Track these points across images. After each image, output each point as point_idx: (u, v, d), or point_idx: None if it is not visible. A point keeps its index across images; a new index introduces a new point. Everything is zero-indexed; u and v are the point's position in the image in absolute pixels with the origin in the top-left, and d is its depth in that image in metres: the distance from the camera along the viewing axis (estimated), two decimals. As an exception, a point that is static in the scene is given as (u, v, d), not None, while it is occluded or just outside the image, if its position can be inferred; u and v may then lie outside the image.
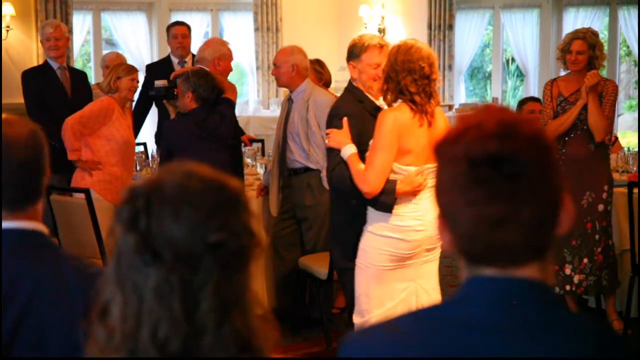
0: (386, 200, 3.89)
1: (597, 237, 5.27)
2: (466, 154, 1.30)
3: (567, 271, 5.31)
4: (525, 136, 1.30)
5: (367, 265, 4.01)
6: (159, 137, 6.10)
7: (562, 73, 5.69)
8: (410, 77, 3.84)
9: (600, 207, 5.26)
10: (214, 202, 1.32)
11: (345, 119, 4.10)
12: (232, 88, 5.68)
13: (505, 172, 1.27)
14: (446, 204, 1.35)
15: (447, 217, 1.35)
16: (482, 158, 1.28)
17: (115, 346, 1.29)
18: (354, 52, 4.33)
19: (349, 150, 4.00)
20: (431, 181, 3.98)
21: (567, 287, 5.32)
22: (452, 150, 1.32)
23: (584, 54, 5.27)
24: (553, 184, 1.32)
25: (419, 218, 3.93)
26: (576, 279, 5.30)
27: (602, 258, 5.29)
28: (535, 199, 1.29)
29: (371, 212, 3.98)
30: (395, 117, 3.85)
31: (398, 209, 3.91)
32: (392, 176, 3.89)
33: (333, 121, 4.15)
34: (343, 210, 4.22)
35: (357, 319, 4.08)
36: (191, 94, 5.21)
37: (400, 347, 1.33)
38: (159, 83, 5.82)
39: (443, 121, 3.99)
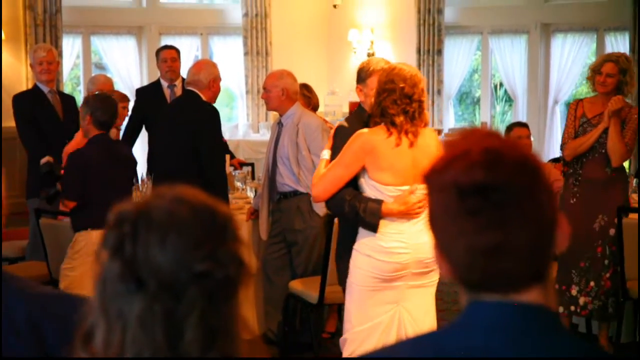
0: (370, 220, 3.90)
1: (606, 262, 5.25)
2: (454, 183, 1.29)
3: (573, 292, 5.30)
4: (512, 162, 1.29)
5: (351, 284, 4.02)
6: (150, 161, 6.09)
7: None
8: (390, 97, 3.87)
9: (612, 231, 5.23)
10: (202, 230, 1.29)
11: (333, 130, 4.23)
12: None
13: (494, 200, 1.26)
14: (439, 234, 1.34)
15: (442, 246, 1.34)
16: (470, 188, 1.27)
17: None
18: (361, 76, 4.35)
19: (324, 155, 4.13)
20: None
21: (572, 308, 5.30)
22: (441, 180, 1.31)
23: (614, 77, 5.26)
24: (544, 206, 1.30)
25: (403, 240, 3.92)
26: (581, 300, 5.29)
27: (610, 284, 5.26)
28: (527, 224, 1.28)
29: (360, 231, 3.99)
30: (364, 139, 3.90)
31: (383, 229, 3.91)
32: (376, 195, 3.91)
33: (336, 139, 4.17)
34: (348, 229, 4.20)
35: (342, 343, 4.10)
36: (89, 117, 5.19)
37: None
38: (44, 160, 5.89)
39: (433, 142, 3.99)
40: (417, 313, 4.03)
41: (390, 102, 3.86)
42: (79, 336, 1.29)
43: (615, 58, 5.33)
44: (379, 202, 3.89)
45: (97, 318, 1.27)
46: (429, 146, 3.93)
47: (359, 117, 4.31)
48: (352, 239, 4.04)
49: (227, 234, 1.32)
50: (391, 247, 3.92)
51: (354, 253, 4.01)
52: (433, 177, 1.33)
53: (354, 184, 3.99)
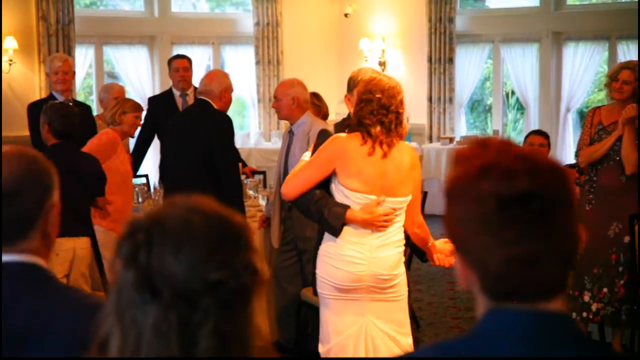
0: (333, 223, 3.91)
1: (620, 269, 5.24)
2: (494, 193, 1.27)
3: (586, 298, 5.29)
4: (547, 170, 1.29)
5: (319, 292, 4.07)
6: (162, 170, 6.11)
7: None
8: (367, 108, 3.89)
9: (627, 238, 5.23)
10: (216, 239, 1.30)
11: (317, 134, 4.31)
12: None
13: (535, 209, 1.26)
14: (469, 244, 1.32)
15: (472, 256, 1.32)
16: (512, 196, 1.26)
17: None
18: (350, 85, 4.42)
19: (305, 156, 4.16)
20: (399, 219, 3.98)
21: (584, 314, 5.29)
22: (475, 190, 1.29)
23: (630, 84, 5.28)
24: (575, 214, 1.31)
25: (360, 251, 3.92)
26: (594, 307, 5.28)
27: (624, 291, 5.25)
28: (564, 233, 1.28)
29: (325, 235, 4.02)
30: (338, 143, 3.92)
31: (344, 236, 3.92)
32: (343, 200, 3.92)
33: (317, 142, 4.21)
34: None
35: (319, 347, 4.12)
36: (47, 126, 5.22)
37: None
38: None
39: (408, 158, 3.98)
40: (384, 326, 4.00)
41: (367, 112, 3.88)
42: (94, 344, 1.30)
43: (632, 65, 5.36)
44: (345, 207, 3.90)
45: (112, 326, 1.28)
46: (402, 160, 3.94)
47: (344, 125, 4.35)
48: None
49: (241, 243, 1.32)
50: (348, 256, 3.92)
51: (317, 259, 4.05)
52: (462, 188, 1.31)
53: (326, 187, 4.00)
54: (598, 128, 5.40)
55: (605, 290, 5.26)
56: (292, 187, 4.01)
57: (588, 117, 5.50)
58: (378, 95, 3.87)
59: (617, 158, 5.24)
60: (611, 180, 5.28)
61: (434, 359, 1.36)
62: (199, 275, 1.26)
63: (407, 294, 4.10)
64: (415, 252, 4.35)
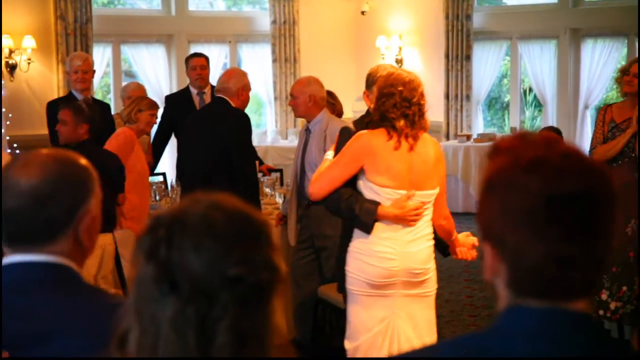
0: (365, 219, 3.90)
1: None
2: (543, 189, 1.26)
3: (603, 297, 5.26)
4: (597, 171, 1.29)
5: (348, 288, 4.05)
6: (180, 167, 6.12)
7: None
8: (389, 102, 3.88)
9: None
10: (236, 235, 1.30)
11: (339, 132, 4.29)
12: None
13: (583, 210, 1.26)
14: (508, 236, 1.29)
15: (507, 249, 1.30)
16: (562, 196, 1.26)
17: None
18: (368, 82, 4.41)
19: (328, 155, 4.16)
20: (428, 213, 3.97)
21: (601, 312, 5.27)
22: (522, 184, 1.28)
23: None
24: (615, 217, 1.30)
25: (392, 247, 3.91)
26: (612, 305, 5.25)
27: None
28: (604, 236, 1.28)
29: (355, 232, 4.00)
30: (363, 141, 3.91)
31: (375, 232, 3.92)
32: (373, 197, 3.91)
33: (340, 140, 4.20)
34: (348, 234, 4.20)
35: (346, 343, 4.10)
36: (86, 126, 5.24)
37: None
38: None
39: (432, 150, 3.98)
40: (415, 322, 4.00)
41: (390, 106, 3.87)
42: (114, 339, 1.31)
43: None
44: (376, 203, 3.90)
45: (132, 321, 1.28)
46: (427, 153, 3.94)
47: (363, 122, 4.34)
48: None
49: (262, 240, 1.33)
50: (381, 252, 3.91)
51: (347, 255, 4.02)
52: (508, 179, 1.30)
53: (352, 185, 3.99)
54: (611, 126, 5.38)
55: (624, 288, 5.23)
56: (319, 187, 4.00)
57: (600, 116, 5.48)
58: (400, 88, 3.87)
59: (633, 155, 5.22)
60: (627, 177, 5.26)
61: (449, 359, 1.35)
62: (218, 270, 1.26)
63: (435, 291, 4.09)
64: (437, 246, 4.34)
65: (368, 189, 3.93)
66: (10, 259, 1.83)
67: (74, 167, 1.86)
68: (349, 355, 4.07)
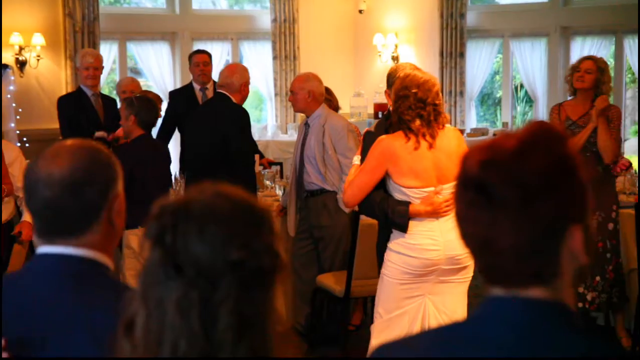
0: (399, 221, 3.92)
1: (608, 255, 5.26)
2: (461, 176, 1.33)
3: (580, 289, 5.29)
4: (519, 166, 1.28)
5: (383, 275, 4.05)
6: (183, 161, 6.14)
7: (569, 98, 5.69)
8: (405, 104, 3.89)
9: (610, 225, 5.25)
10: (239, 222, 1.32)
11: (362, 136, 4.29)
12: None
13: (488, 198, 1.28)
14: (455, 214, 1.38)
15: (457, 227, 1.37)
16: (470, 182, 1.30)
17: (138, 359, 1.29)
18: (390, 81, 4.37)
19: (355, 160, 4.19)
20: None
21: (580, 305, 5.30)
22: (459, 166, 1.37)
23: (592, 74, 5.28)
24: (546, 215, 1.28)
25: (433, 237, 3.93)
26: (589, 296, 5.29)
27: (613, 275, 5.29)
28: (515, 227, 1.27)
29: (394, 231, 4.02)
30: (384, 145, 3.93)
31: (413, 229, 3.93)
32: (403, 198, 3.92)
33: (364, 145, 4.21)
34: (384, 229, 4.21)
35: (377, 317, 4.10)
36: (134, 117, 5.24)
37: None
38: (99, 134, 6.05)
39: (454, 141, 3.99)
40: (446, 307, 4.01)
41: (406, 108, 3.88)
42: (121, 325, 1.32)
43: (594, 57, 5.43)
44: (406, 204, 3.90)
45: (139, 306, 1.30)
46: (449, 146, 3.94)
47: (384, 123, 4.33)
48: (387, 238, 4.05)
49: (264, 227, 1.34)
50: (422, 244, 3.92)
51: (387, 251, 4.03)
52: (459, 161, 1.37)
53: (384, 187, 4.00)
54: (568, 123, 5.38)
55: (597, 278, 5.28)
56: (352, 195, 4.02)
57: (554, 114, 5.47)
58: (414, 90, 3.88)
59: (594, 149, 5.23)
60: (591, 171, 5.28)
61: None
62: (221, 254, 1.28)
63: (471, 277, 4.08)
64: None
65: (397, 191, 3.95)
66: (45, 249, 1.82)
67: (100, 152, 1.88)
68: (373, 332, 4.05)
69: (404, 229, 3.93)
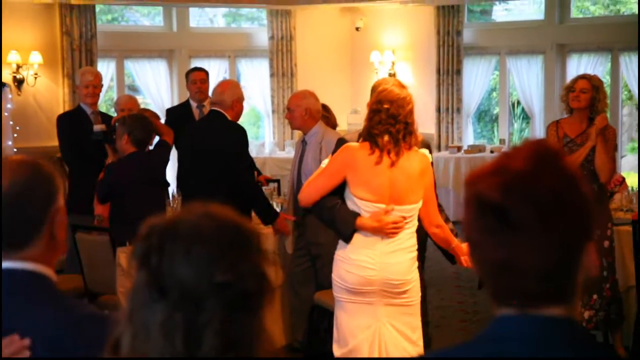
0: (344, 230, 3.92)
1: (605, 273, 5.25)
2: (477, 199, 1.30)
3: (577, 308, 5.28)
4: (535, 187, 1.28)
5: (334, 295, 4.06)
6: (180, 178, 6.11)
7: (566, 115, 5.70)
8: (375, 118, 3.87)
9: (606, 243, 5.24)
10: (225, 243, 1.30)
11: (336, 142, 4.34)
12: (169, 132, 5.92)
13: (508, 221, 1.26)
14: (468, 241, 1.35)
15: (471, 252, 1.35)
16: (489, 207, 1.28)
17: None
18: (371, 94, 4.39)
19: (324, 163, 4.14)
20: (410, 225, 3.95)
21: None
22: (468, 196, 1.33)
23: (587, 92, 5.29)
24: (565, 232, 1.28)
25: (371, 256, 3.90)
26: (586, 314, 5.27)
27: (610, 293, 5.26)
28: (539, 248, 1.26)
29: (339, 241, 4.03)
30: (347, 153, 3.93)
31: (355, 242, 3.92)
32: (354, 208, 3.92)
33: (335, 149, 4.22)
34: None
35: (334, 348, 4.10)
36: (127, 136, 5.24)
37: None
38: (98, 128, 6.04)
39: (418, 165, 3.93)
40: (399, 330, 3.98)
41: (376, 122, 3.87)
42: (108, 344, 1.31)
43: (588, 76, 5.43)
44: (355, 214, 3.90)
45: (125, 326, 1.29)
46: (410, 167, 3.89)
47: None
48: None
49: (251, 249, 1.32)
50: (359, 260, 3.91)
51: (333, 263, 4.05)
52: (465, 188, 1.34)
53: (341, 193, 3.99)
54: (566, 141, 5.38)
55: (595, 297, 5.26)
56: (307, 195, 4.03)
57: (552, 132, 5.45)
58: (386, 106, 3.86)
59: (591, 168, 5.22)
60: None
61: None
62: (205, 276, 1.26)
63: (419, 299, 4.07)
64: (444, 255, 4.32)
65: (350, 200, 3.94)
66: None
67: (40, 167, 1.89)
68: (336, 352, 4.07)
69: (347, 239, 3.92)
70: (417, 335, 4.05)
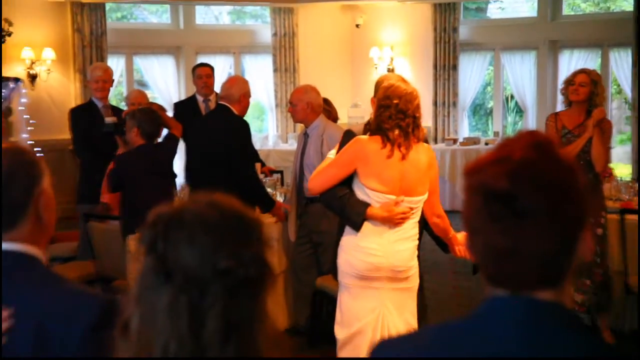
0: (354, 219, 3.94)
1: (597, 260, 5.31)
2: (482, 187, 1.29)
3: (570, 292, 5.33)
4: (541, 175, 1.28)
5: (339, 279, 4.08)
6: (187, 170, 6.17)
7: (559, 108, 5.73)
8: (385, 113, 3.89)
9: (599, 231, 5.29)
10: (228, 231, 1.32)
11: (343, 133, 4.33)
12: (177, 126, 5.93)
13: (516, 208, 1.26)
14: (468, 229, 1.35)
15: (469, 239, 1.35)
16: (495, 194, 1.27)
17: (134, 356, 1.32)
18: (375, 90, 4.40)
19: (331, 154, 4.19)
20: (415, 216, 4.01)
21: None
22: (469, 183, 1.32)
23: (586, 86, 5.33)
24: (566, 219, 1.28)
25: (379, 244, 3.94)
26: (579, 298, 5.33)
27: (602, 279, 5.32)
28: (544, 234, 1.26)
29: (346, 228, 4.05)
30: (360, 145, 3.94)
31: (364, 230, 3.95)
32: (364, 198, 3.94)
33: (343, 142, 4.23)
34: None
35: (336, 330, 4.11)
36: (137, 129, 5.29)
37: (425, 354, 1.35)
38: (109, 120, 6.05)
39: (425, 158, 3.99)
40: (402, 312, 4.02)
41: (386, 117, 3.88)
42: (118, 326, 1.34)
43: (587, 71, 5.44)
44: (366, 204, 3.91)
45: (134, 309, 1.32)
46: (419, 161, 3.93)
47: (365, 129, 4.37)
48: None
49: (253, 237, 1.35)
50: (367, 247, 3.94)
51: (338, 250, 4.06)
52: (468, 177, 1.33)
53: (349, 184, 4.01)
54: (564, 132, 5.42)
55: (587, 282, 5.32)
56: (317, 184, 4.03)
57: (551, 123, 5.49)
58: (395, 101, 3.87)
59: (588, 158, 5.28)
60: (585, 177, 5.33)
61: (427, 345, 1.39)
62: (209, 263, 1.29)
63: (417, 285, 4.11)
64: (438, 244, 4.36)
65: (360, 190, 3.96)
66: None
67: (23, 153, 1.91)
68: (340, 343, 4.08)
69: (357, 227, 3.94)
70: (415, 318, 4.11)
